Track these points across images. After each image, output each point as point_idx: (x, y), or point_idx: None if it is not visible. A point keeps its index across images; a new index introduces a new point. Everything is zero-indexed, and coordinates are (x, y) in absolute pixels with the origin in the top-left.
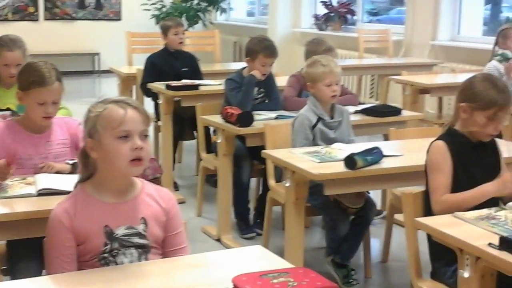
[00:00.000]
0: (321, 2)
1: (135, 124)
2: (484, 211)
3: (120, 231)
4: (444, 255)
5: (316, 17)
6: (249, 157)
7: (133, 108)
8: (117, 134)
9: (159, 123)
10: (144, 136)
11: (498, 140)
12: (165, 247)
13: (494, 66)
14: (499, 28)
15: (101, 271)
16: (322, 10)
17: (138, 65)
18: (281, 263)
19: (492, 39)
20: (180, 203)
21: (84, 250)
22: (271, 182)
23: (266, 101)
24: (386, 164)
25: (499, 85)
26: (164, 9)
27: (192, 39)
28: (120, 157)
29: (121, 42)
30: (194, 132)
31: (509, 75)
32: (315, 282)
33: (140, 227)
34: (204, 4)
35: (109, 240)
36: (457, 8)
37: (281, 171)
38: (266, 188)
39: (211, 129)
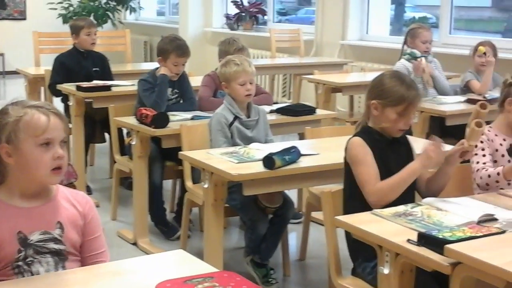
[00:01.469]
0: (232, 2)
1: (57, 132)
2: (401, 208)
3: (34, 237)
4: (364, 252)
5: (228, 16)
6: (161, 158)
7: (56, 115)
8: (39, 141)
9: (70, 125)
10: (63, 143)
11: (409, 137)
12: (84, 252)
13: (403, 65)
14: (407, 27)
15: (15, 283)
16: (233, 10)
17: (46, 66)
18: (204, 267)
19: (398, 38)
20: None
21: None
22: (188, 183)
23: (181, 102)
24: (303, 163)
25: (407, 81)
26: (71, 8)
27: (102, 39)
28: (41, 166)
29: (27, 42)
30: (106, 134)
31: (416, 73)
32: (241, 286)
33: (56, 232)
34: (113, 3)
35: (23, 246)
36: (365, 8)
37: (198, 172)
38: (184, 189)
39: (124, 130)
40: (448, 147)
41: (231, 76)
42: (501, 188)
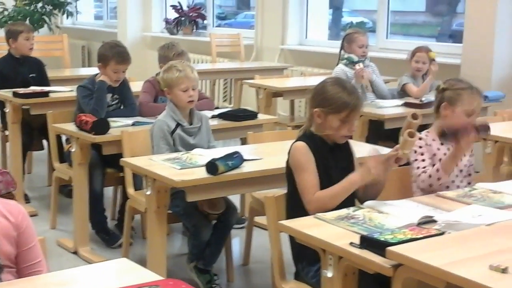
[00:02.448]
0: (171, 6)
1: None
2: (343, 211)
3: None
4: (307, 256)
5: (167, 21)
6: (101, 165)
7: None
8: None
9: (6, 132)
10: None
11: (350, 141)
12: (20, 264)
13: (341, 70)
14: (344, 32)
15: None
16: (172, 14)
17: None
18: (148, 275)
19: (337, 43)
20: (32, 216)
21: None
22: (130, 190)
23: (122, 108)
24: (247, 168)
25: (349, 87)
26: (6, 13)
27: (38, 44)
28: None
29: None
30: (44, 141)
31: (357, 80)
32: None
33: None
34: (49, 8)
35: None
36: (303, 13)
37: (140, 179)
38: (126, 196)
39: (63, 137)
40: (386, 150)
41: (173, 82)
42: (447, 186)
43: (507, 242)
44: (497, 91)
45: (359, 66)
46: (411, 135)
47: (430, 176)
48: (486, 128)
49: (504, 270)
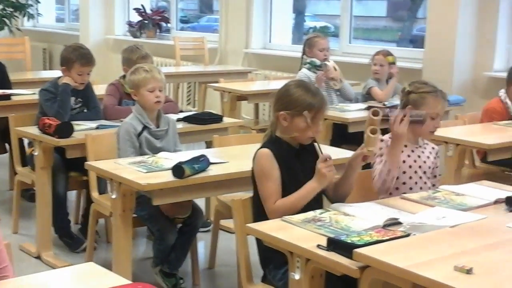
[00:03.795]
0: (134, 9)
1: None
2: (310, 214)
3: None
4: (274, 259)
5: (130, 24)
6: (65, 169)
7: None
8: None
9: None
10: None
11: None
12: None
13: (304, 74)
14: (305, 37)
15: None
16: (135, 17)
17: None
18: (115, 279)
19: (300, 47)
20: None
21: None
22: (95, 194)
23: (85, 111)
24: (213, 171)
25: (312, 89)
26: None
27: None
28: None
29: None
30: (6, 144)
31: (319, 84)
32: None
33: None
34: (10, 10)
35: None
36: (267, 17)
37: (104, 182)
38: (90, 200)
39: (26, 141)
40: (350, 153)
41: (140, 82)
42: (410, 188)
43: (470, 243)
44: (458, 95)
45: (329, 63)
46: (373, 131)
47: (381, 171)
48: (421, 115)
49: (468, 271)
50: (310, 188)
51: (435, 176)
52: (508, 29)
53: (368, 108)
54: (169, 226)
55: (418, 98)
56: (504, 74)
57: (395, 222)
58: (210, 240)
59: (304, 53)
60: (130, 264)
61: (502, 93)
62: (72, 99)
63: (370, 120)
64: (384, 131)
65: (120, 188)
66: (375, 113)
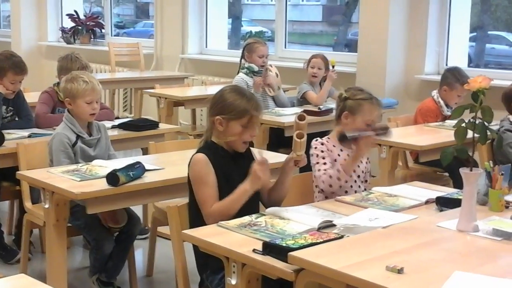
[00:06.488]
0: (68, 15)
1: None
2: (246, 219)
3: None
4: (211, 264)
5: (63, 30)
6: None
7: None
8: None
9: None
10: None
11: (252, 149)
12: None
13: (242, 79)
14: (244, 42)
15: None
16: (69, 23)
17: None
18: None
19: (236, 52)
20: None
21: None
22: (28, 204)
23: (17, 119)
24: (148, 178)
25: (247, 94)
26: None
27: None
28: None
29: None
30: None
31: (257, 89)
32: None
33: None
34: None
35: None
36: (203, 23)
37: (38, 192)
38: (23, 210)
39: None
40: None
41: (79, 93)
42: (345, 191)
43: (402, 243)
44: (390, 98)
45: (270, 68)
46: (300, 136)
47: (330, 176)
48: (385, 128)
49: (400, 271)
50: (242, 190)
51: (366, 181)
52: (437, 33)
53: (304, 112)
54: (105, 235)
55: (355, 104)
56: (435, 77)
57: (329, 225)
58: (147, 248)
59: (243, 57)
60: (65, 274)
61: (434, 93)
62: (3, 107)
63: (297, 125)
64: (323, 134)
65: (53, 198)
66: (301, 118)
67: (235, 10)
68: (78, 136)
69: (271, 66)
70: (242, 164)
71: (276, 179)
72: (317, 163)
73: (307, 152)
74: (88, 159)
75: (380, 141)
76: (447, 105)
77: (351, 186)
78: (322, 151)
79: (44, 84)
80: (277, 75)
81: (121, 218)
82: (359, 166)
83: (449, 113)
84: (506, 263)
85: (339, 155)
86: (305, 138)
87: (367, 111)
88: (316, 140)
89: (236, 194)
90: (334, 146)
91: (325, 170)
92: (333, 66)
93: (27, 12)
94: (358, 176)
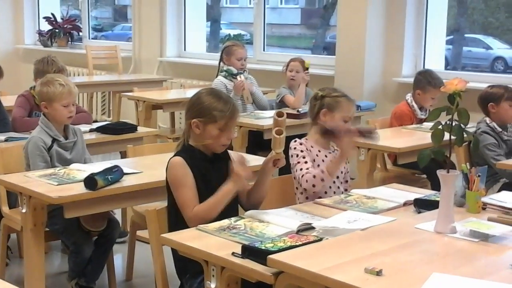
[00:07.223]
0: (44, 18)
1: None
2: (225, 222)
3: None
4: (190, 268)
5: (40, 33)
6: None
7: None
8: None
9: None
10: None
11: (230, 152)
12: None
13: (221, 82)
14: (222, 45)
15: None
16: (46, 26)
17: None
18: None
19: (215, 55)
20: None
21: None
22: (4, 208)
23: None
24: (127, 182)
25: (224, 97)
26: None
27: None
28: None
29: None
30: None
31: (236, 92)
32: None
33: None
34: None
35: None
36: (181, 25)
37: (15, 196)
38: (0, 215)
39: None
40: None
41: (55, 96)
42: (325, 192)
43: (380, 245)
44: (368, 101)
45: (240, 78)
46: (279, 132)
47: (314, 176)
48: (371, 131)
49: (378, 273)
50: (226, 190)
51: (346, 181)
52: (414, 36)
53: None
54: (84, 239)
55: (332, 102)
56: (412, 80)
57: (308, 227)
58: (127, 251)
59: (221, 60)
60: (43, 279)
61: (408, 96)
62: None
63: (275, 122)
64: (302, 137)
65: (30, 202)
66: (280, 114)
67: (214, 13)
68: (54, 140)
69: (246, 70)
70: (220, 166)
71: (256, 180)
72: (298, 162)
73: (286, 154)
74: (65, 162)
75: (359, 143)
76: (421, 108)
77: (330, 187)
78: (301, 151)
79: (21, 87)
80: (243, 89)
81: (100, 222)
82: None
83: (423, 116)
84: (483, 264)
85: (317, 155)
86: (284, 135)
87: (345, 107)
88: (295, 141)
89: (219, 195)
90: (312, 146)
91: (307, 169)
92: (307, 68)
93: (3, 14)
94: (337, 177)
